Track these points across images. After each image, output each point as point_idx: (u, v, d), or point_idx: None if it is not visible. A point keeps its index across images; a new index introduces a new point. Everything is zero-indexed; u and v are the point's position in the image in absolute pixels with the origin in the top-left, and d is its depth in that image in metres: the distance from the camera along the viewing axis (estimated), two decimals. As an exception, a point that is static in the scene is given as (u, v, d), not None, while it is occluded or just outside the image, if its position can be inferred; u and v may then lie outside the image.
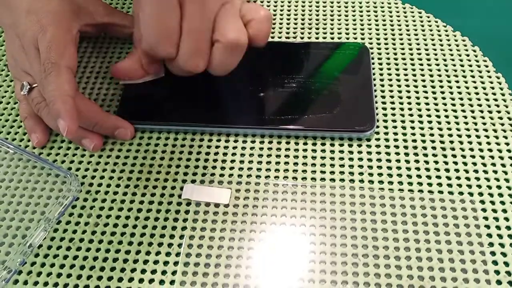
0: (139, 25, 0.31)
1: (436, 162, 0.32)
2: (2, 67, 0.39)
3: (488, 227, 0.29)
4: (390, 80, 0.37)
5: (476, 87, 0.36)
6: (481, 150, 0.32)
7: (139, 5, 0.30)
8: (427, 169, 0.32)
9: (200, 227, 0.29)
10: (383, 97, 0.36)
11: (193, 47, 0.30)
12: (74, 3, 0.35)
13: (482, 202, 0.30)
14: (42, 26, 0.32)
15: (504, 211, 0.30)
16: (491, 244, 0.28)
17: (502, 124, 0.34)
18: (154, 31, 0.30)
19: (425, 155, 0.32)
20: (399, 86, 0.36)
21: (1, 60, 0.40)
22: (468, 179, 0.31)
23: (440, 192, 0.31)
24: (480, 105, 0.35)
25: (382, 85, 0.36)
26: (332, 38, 0.39)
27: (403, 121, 0.34)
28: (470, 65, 0.37)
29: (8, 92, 0.37)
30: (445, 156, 0.32)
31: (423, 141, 0.33)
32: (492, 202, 0.30)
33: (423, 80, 0.36)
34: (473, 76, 0.37)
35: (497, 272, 0.27)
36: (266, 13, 0.31)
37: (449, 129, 0.34)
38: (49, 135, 0.34)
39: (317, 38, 0.40)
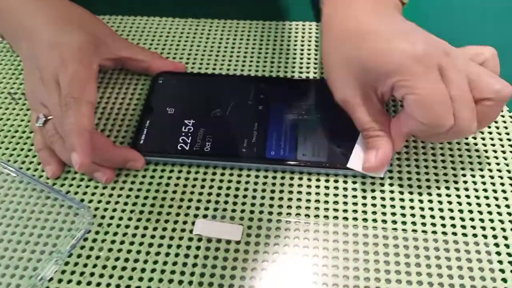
0: None
1: (450, 203, 0.32)
2: (19, 95, 0.40)
3: (502, 271, 0.29)
4: (403, 117, 0.37)
5: (489, 127, 0.36)
6: (494, 191, 0.32)
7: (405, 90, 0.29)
8: (441, 210, 0.31)
9: (211, 265, 0.29)
10: (396, 134, 0.36)
11: (471, 112, 0.29)
12: (95, 37, 0.35)
13: (496, 245, 0.30)
14: (63, 61, 0.32)
15: (520, 255, 0.29)
16: (506, 290, 0.28)
17: (516, 165, 0.34)
18: (434, 108, 0.28)
19: (439, 195, 0.32)
20: (412, 124, 0.36)
21: (18, 88, 0.40)
22: (482, 221, 0.31)
23: (454, 234, 0.30)
24: (493, 145, 0.35)
25: (395, 123, 0.36)
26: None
27: (416, 160, 0.34)
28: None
29: (24, 121, 0.38)
30: (458, 197, 0.32)
31: (437, 181, 0.33)
32: (507, 246, 0.30)
33: (436, 118, 0.36)
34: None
35: (513, 319, 0.27)
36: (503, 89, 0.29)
37: (463, 168, 0.33)
38: (63, 167, 0.34)
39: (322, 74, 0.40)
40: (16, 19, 0.36)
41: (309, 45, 0.42)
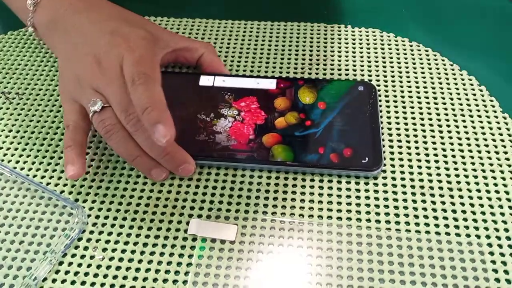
0: None
1: (443, 203, 0.32)
2: (13, 94, 0.40)
3: (495, 271, 0.29)
4: (397, 118, 0.37)
5: (483, 127, 0.36)
6: (488, 191, 0.32)
7: None
8: (434, 210, 0.32)
9: (206, 264, 0.29)
10: (390, 135, 0.36)
11: None
12: (154, 34, 0.36)
13: (490, 245, 0.30)
14: (130, 47, 0.32)
15: (512, 255, 0.29)
16: (499, 289, 0.28)
17: (509, 166, 0.34)
18: None
19: (432, 195, 0.32)
20: (406, 124, 0.36)
21: (12, 88, 0.40)
22: (475, 221, 0.31)
23: (447, 233, 0.30)
24: (487, 146, 0.35)
25: (389, 123, 0.36)
26: (340, 75, 0.40)
27: (410, 160, 0.34)
28: (477, 105, 0.38)
29: (18, 121, 0.38)
30: (452, 197, 0.32)
31: (430, 181, 0.33)
32: (500, 246, 0.30)
33: (430, 119, 0.37)
34: (479, 116, 0.37)
35: (505, 319, 0.27)
36: None
37: (456, 169, 0.34)
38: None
39: (324, 74, 0.40)
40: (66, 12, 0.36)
41: (303, 45, 0.43)
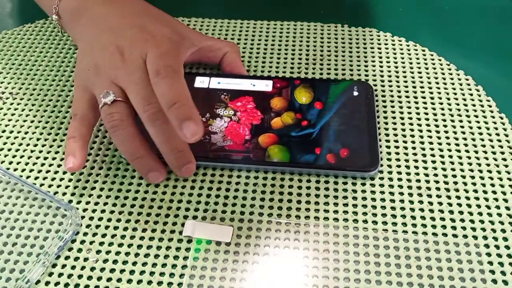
0: None
1: (440, 204, 0.32)
2: (7, 95, 0.39)
3: (493, 272, 0.29)
4: (394, 118, 0.37)
5: (479, 127, 0.36)
6: (485, 192, 0.32)
7: None
8: (431, 211, 0.31)
9: (201, 266, 0.29)
10: (387, 135, 0.36)
11: None
12: (180, 33, 0.35)
13: (487, 246, 0.30)
14: (155, 43, 0.32)
15: (510, 256, 0.29)
16: (496, 291, 0.28)
17: (506, 166, 0.34)
18: None
19: (429, 195, 0.32)
20: (402, 124, 0.36)
21: (6, 88, 0.40)
22: (472, 221, 0.31)
23: (444, 234, 0.30)
24: (483, 146, 0.35)
25: (386, 123, 0.36)
26: (336, 75, 0.40)
27: (407, 161, 0.34)
28: (474, 105, 0.37)
29: (12, 121, 0.37)
30: (449, 197, 0.32)
31: (427, 181, 0.33)
32: (497, 247, 0.30)
33: (427, 119, 0.36)
34: (476, 116, 0.37)
35: (502, 320, 0.27)
36: None
37: (453, 169, 0.33)
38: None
39: (321, 74, 0.40)
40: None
41: (300, 45, 0.42)
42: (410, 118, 0.37)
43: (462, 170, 0.33)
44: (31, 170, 0.34)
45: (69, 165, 0.31)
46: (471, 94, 0.38)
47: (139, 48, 0.32)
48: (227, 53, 0.39)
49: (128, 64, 0.31)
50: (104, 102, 0.31)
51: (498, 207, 0.31)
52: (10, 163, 0.35)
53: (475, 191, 0.32)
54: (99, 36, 0.34)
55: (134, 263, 0.29)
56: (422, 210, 0.31)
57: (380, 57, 0.41)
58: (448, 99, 0.38)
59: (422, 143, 0.35)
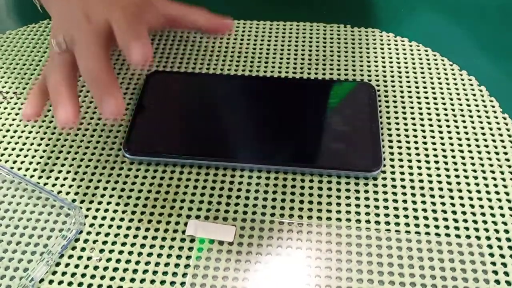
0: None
1: (443, 204, 0.32)
2: (11, 94, 0.39)
3: (496, 272, 0.29)
4: (397, 118, 0.37)
5: (482, 128, 0.36)
6: (488, 192, 0.32)
7: None
8: (434, 211, 0.31)
9: (204, 266, 0.29)
10: (390, 135, 0.36)
11: None
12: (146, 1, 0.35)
13: (490, 246, 0.30)
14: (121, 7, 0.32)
15: (512, 256, 0.29)
16: (499, 291, 0.28)
17: (509, 166, 0.34)
18: None
19: (432, 196, 0.32)
20: (405, 124, 0.36)
21: (10, 88, 0.40)
22: (475, 222, 0.31)
23: (447, 235, 0.30)
24: (487, 146, 0.35)
25: (389, 124, 0.36)
26: (339, 75, 0.40)
27: (409, 161, 0.34)
28: (477, 105, 0.37)
29: (16, 120, 0.37)
30: (452, 197, 0.32)
31: (430, 182, 0.33)
32: (500, 247, 0.30)
33: (430, 119, 0.36)
34: (479, 116, 0.37)
35: (505, 321, 0.27)
36: None
37: (456, 170, 0.33)
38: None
39: (323, 75, 0.40)
40: None
41: (303, 45, 0.42)
42: (413, 118, 0.37)
43: (465, 171, 0.33)
44: (34, 169, 0.34)
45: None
46: (474, 94, 0.38)
47: (102, 9, 0.32)
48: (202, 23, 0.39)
49: (93, 25, 0.32)
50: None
51: (501, 207, 0.31)
52: (14, 162, 0.35)
53: (478, 191, 0.32)
54: (67, 5, 0.34)
55: (137, 262, 0.29)
56: (425, 210, 0.31)
57: (383, 57, 0.41)
58: (451, 99, 0.38)
59: (425, 143, 0.35)
